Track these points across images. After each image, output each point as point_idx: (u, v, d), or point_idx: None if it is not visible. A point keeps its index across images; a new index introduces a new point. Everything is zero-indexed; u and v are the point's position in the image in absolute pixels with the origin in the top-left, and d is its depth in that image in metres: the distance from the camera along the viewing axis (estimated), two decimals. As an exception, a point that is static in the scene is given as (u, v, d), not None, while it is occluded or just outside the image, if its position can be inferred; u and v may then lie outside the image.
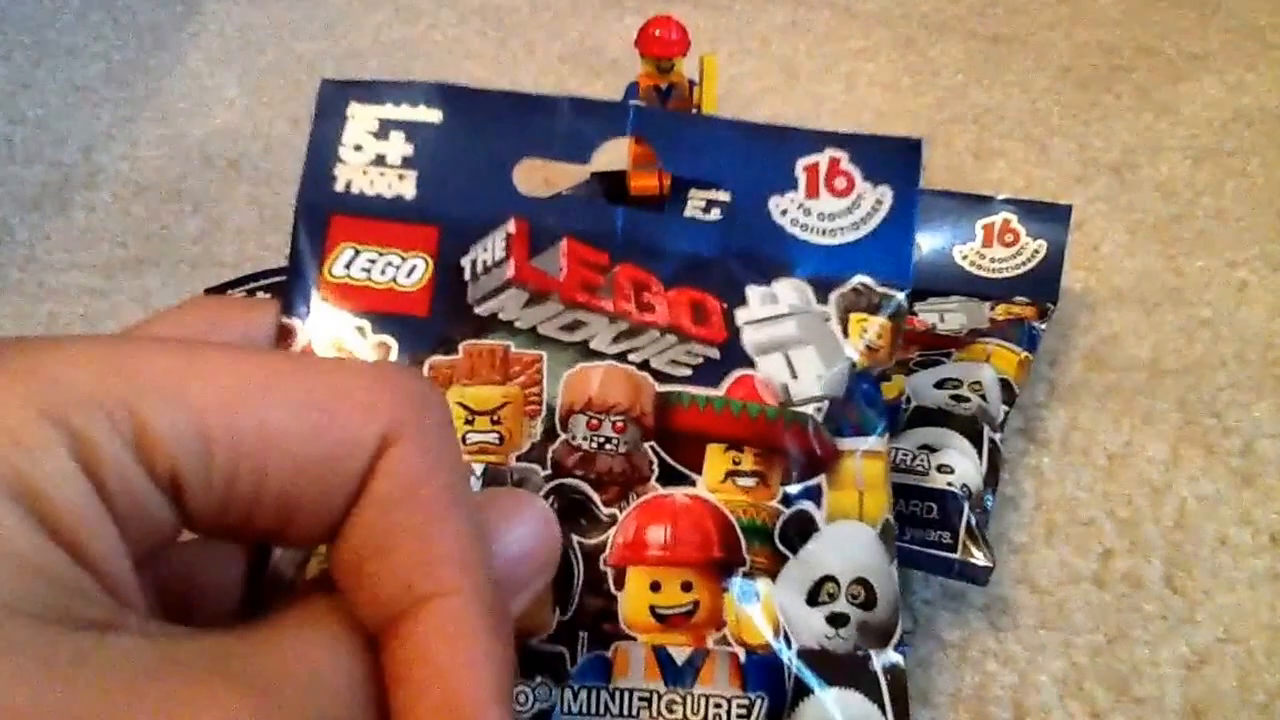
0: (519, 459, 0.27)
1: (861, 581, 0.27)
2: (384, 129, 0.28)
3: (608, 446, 0.27)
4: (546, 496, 0.27)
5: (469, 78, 0.71)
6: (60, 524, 0.16)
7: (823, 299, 0.29)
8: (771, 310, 0.28)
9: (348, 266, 0.28)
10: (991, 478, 0.39)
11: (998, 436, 0.40)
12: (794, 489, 0.27)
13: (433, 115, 0.28)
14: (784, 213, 0.29)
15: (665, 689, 0.25)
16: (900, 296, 0.29)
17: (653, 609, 0.26)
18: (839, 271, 0.29)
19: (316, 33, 0.76)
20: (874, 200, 0.29)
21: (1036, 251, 0.48)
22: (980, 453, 0.39)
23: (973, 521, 0.36)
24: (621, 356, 0.28)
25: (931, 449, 0.38)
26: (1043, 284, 0.48)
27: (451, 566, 0.18)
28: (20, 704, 0.14)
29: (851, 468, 0.28)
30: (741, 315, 0.28)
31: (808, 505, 0.27)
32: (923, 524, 0.36)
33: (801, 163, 0.29)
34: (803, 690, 0.26)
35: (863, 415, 0.28)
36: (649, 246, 0.29)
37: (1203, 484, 0.41)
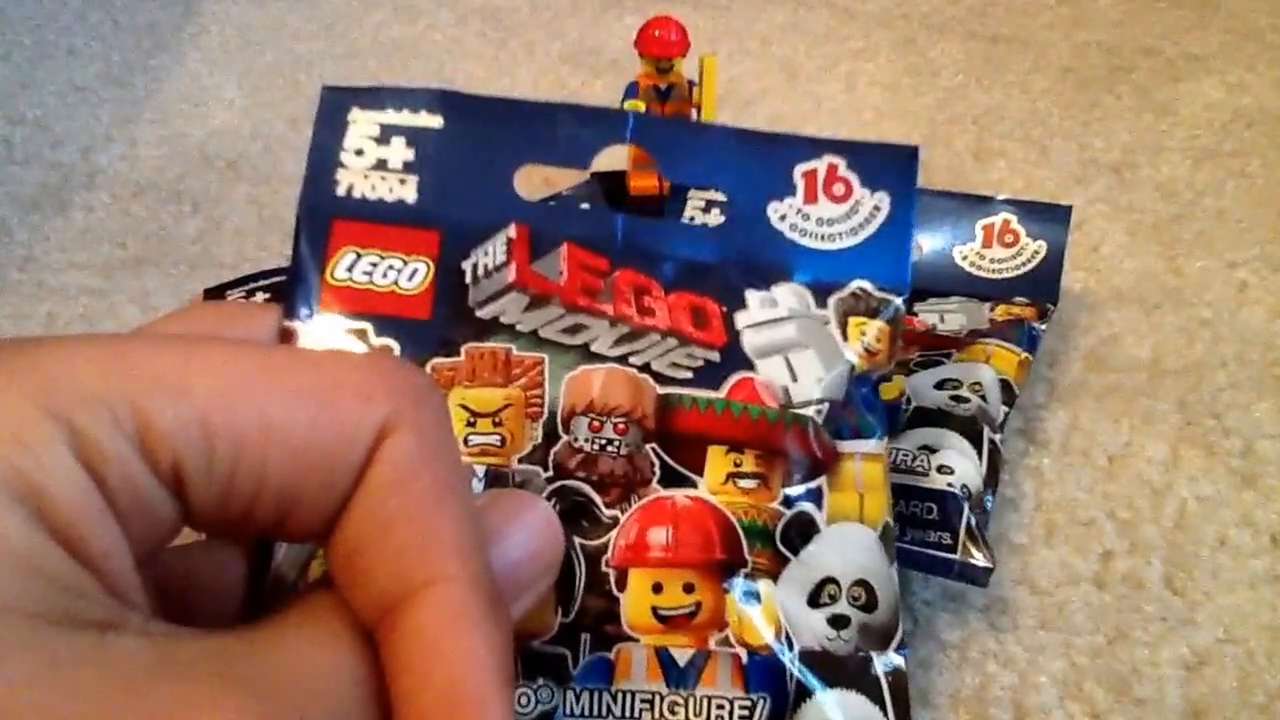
0: (521, 461, 0.27)
1: (862, 583, 0.27)
2: (385, 134, 0.28)
3: (609, 448, 0.27)
4: (548, 498, 0.27)
5: (468, 78, 0.71)
6: (61, 522, 0.16)
7: (822, 303, 0.29)
8: (771, 314, 0.29)
9: (350, 270, 0.28)
10: (991, 478, 0.39)
11: (998, 437, 0.40)
12: (795, 491, 0.27)
13: (434, 121, 0.28)
14: (783, 218, 0.29)
15: (667, 690, 0.25)
16: (898, 301, 0.29)
17: (655, 610, 0.26)
18: (838, 276, 0.29)
19: (315, 33, 0.76)
20: (872, 206, 0.29)
21: (1036, 252, 0.48)
22: (980, 453, 0.39)
23: (973, 522, 0.36)
24: (623, 359, 0.28)
25: (931, 450, 0.38)
26: (1043, 284, 0.48)
27: (448, 553, 0.18)
28: (17, 705, 0.14)
29: (851, 470, 0.28)
30: (741, 319, 0.29)
31: (809, 507, 0.27)
32: (923, 525, 0.37)
33: (800, 169, 0.29)
34: (804, 692, 0.26)
35: (862, 419, 0.28)
36: (649, 252, 0.29)
37: (1203, 485, 0.41)
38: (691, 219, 0.46)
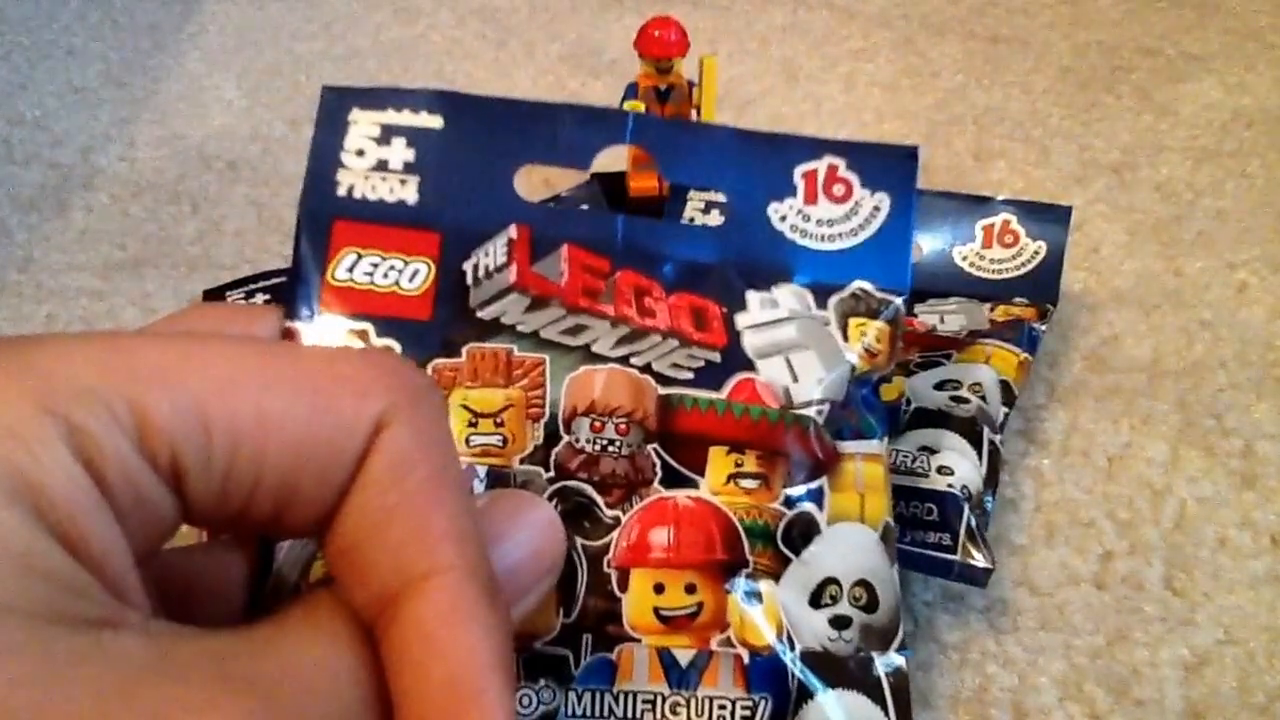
0: (522, 462, 0.27)
1: (863, 584, 0.27)
2: (386, 134, 0.28)
3: (611, 449, 0.27)
4: (550, 499, 0.27)
5: (467, 78, 0.71)
6: (60, 520, 0.16)
7: (822, 304, 0.29)
8: (771, 314, 0.29)
9: (350, 271, 0.28)
10: (991, 479, 0.39)
11: (997, 438, 0.40)
12: (796, 491, 0.27)
13: (434, 121, 0.28)
14: (783, 219, 0.29)
15: (669, 691, 0.25)
16: (898, 302, 0.29)
17: (656, 611, 0.26)
18: (838, 277, 0.29)
19: (315, 34, 0.76)
20: (872, 206, 0.29)
21: (1036, 252, 0.48)
22: (980, 454, 0.39)
23: (972, 523, 0.36)
24: (624, 360, 0.28)
25: (931, 450, 0.38)
26: (1042, 285, 0.48)
27: (445, 545, 0.18)
28: (14, 705, 0.14)
29: (852, 470, 0.28)
30: (742, 320, 0.29)
31: (810, 507, 0.27)
32: (922, 526, 0.36)
33: (800, 169, 0.29)
34: (806, 692, 0.26)
35: (862, 419, 0.29)
36: (649, 253, 0.29)
37: (1203, 485, 0.41)
38: (691, 220, 0.46)
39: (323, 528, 0.19)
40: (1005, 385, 0.42)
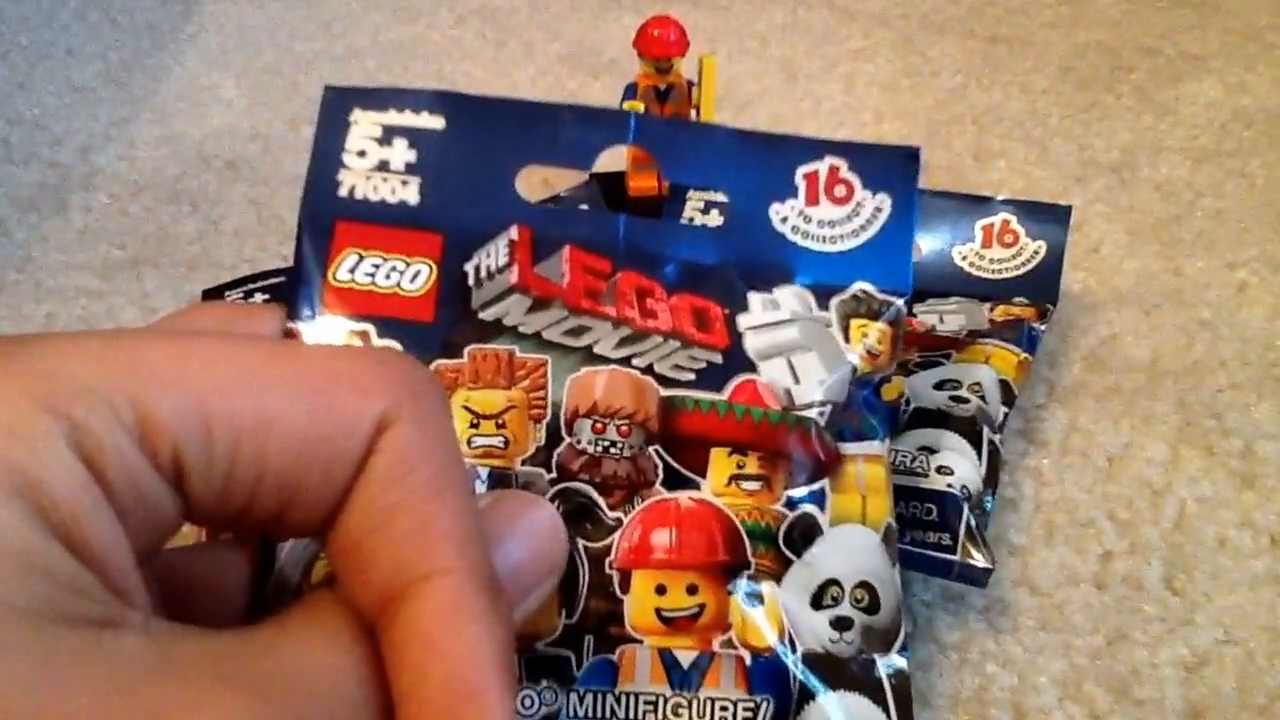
0: (524, 463, 0.27)
1: (865, 585, 0.27)
2: (387, 135, 0.28)
3: (612, 450, 0.27)
4: (551, 500, 0.27)
5: (467, 78, 0.71)
6: (60, 518, 0.16)
7: (823, 306, 0.29)
8: (773, 316, 0.29)
9: (352, 271, 0.28)
10: (991, 479, 0.39)
11: (997, 438, 0.40)
12: (797, 492, 0.27)
13: (436, 122, 0.28)
14: (784, 220, 0.29)
15: (671, 692, 0.25)
16: (900, 303, 0.29)
17: (658, 612, 0.26)
18: (839, 279, 0.29)
19: (314, 33, 0.76)
20: (873, 208, 0.29)
21: (1036, 252, 0.48)
22: (980, 454, 0.39)
23: (972, 523, 0.36)
24: (625, 361, 0.28)
25: (931, 450, 0.38)
26: (1042, 285, 0.48)
27: (448, 545, 0.18)
28: (12, 705, 0.14)
29: (854, 472, 0.28)
30: (743, 321, 0.29)
31: (811, 509, 0.27)
32: (922, 526, 0.36)
33: (801, 170, 0.29)
34: (807, 694, 0.26)
35: (864, 421, 0.29)
36: (651, 254, 0.29)
37: (1202, 485, 0.41)
38: (691, 219, 0.46)
39: (325, 527, 0.19)
40: (1005, 385, 0.42)
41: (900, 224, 0.29)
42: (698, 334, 0.28)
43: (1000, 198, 0.50)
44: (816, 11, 0.77)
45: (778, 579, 0.27)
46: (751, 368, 0.28)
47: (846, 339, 0.29)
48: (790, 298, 0.29)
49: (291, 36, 0.75)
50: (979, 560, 0.36)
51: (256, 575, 0.23)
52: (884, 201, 0.29)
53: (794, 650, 0.26)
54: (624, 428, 0.27)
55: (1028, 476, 0.42)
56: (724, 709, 0.25)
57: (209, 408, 0.17)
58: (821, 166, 0.29)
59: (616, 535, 0.27)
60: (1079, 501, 0.41)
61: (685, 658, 0.26)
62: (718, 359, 0.28)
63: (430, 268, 0.28)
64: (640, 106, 0.49)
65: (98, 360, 0.17)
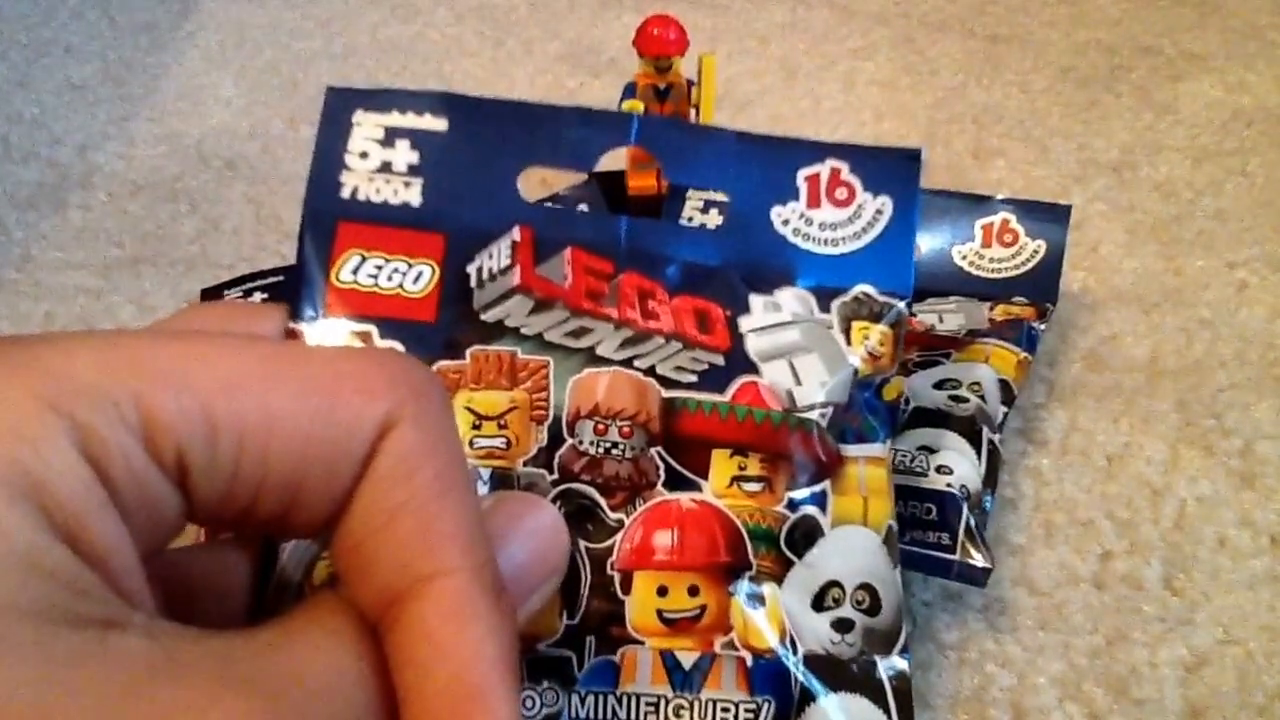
0: (526, 464, 0.27)
1: (866, 587, 0.27)
2: (390, 137, 0.28)
3: (614, 451, 0.27)
4: (553, 501, 0.27)
5: (466, 76, 0.71)
6: (64, 518, 0.16)
7: (825, 308, 0.29)
8: (774, 318, 0.29)
9: (355, 272, 0.28)
10: (990, 479, 0.39)
11: (996, 437, 0.40)
12: (799, 494, 0.27)
13: (438, 124, 0.28)
14: (785, 222, 0.29)
15: (673, 694, 0.26)
16: (901, 305, 0.29)
17: (660, 613, 0.26)
18: (841, 281, 0.29)
19: (313, 32, 0.76)
20: (874, 210, 0.29)
21: (1035, 252, 0.48)
22: (979, 453, 0.39)
23: (971, 523, 0.36)
24: (627, 363, 0.28)
25: (930, 450, 0.38)
26: (1042, 284, 0.48)
27: (451, 545, 0.18)
28: (16, 706, 0.14)
29: (855, 474, 0.28)
30: (745, 323, 0.29)
31: (813, 510, 0.27)
32: (921, 525, 0.36)
33: (802, 173, 0.29)
34: (809, 695, 0.26)
35: (865, 422, 0.29)
36: (653, 256, 0.29)
37: (1202, 485, 0.41)
38: (690, 219, 0.46)
39: (328, 527, 0.19)
40: (1004, 384, 0.42)
41: (901, 226, 0.29)
42: (699, 336, 0.28)
43: (1000, 197, 0.50)
44: (816, 10, 0.77)
45: (779, 580, 0.27)
46: (753, 369, 0.28)
47: (848, 341, 0.29)
48: (791, 300, 0.29)
49: (290, 35, 0.75)
50: (978, 560, 0.36)
51: (258, 575, 0.23)
52: (885, 204, 0.29)
53: (795, 652, 0.26)
54: (626, 429, 0.27)
55: (1027, 476, 0.42)
56: (725, 710, 0.25)
57: (213, 408, 0.17)
58: (823, 169, 0.29)
59: (618, 536, 0.27)
60: (1078, 501, 0.41)
61: (687, 659, 0.26)
62: (719, 361, 0.28)
63: (432, 269, 0.28)
64: (639, 105, 0.49)
65: (102, 360, 0.17)
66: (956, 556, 0.36)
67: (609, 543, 0.27)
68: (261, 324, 0.25)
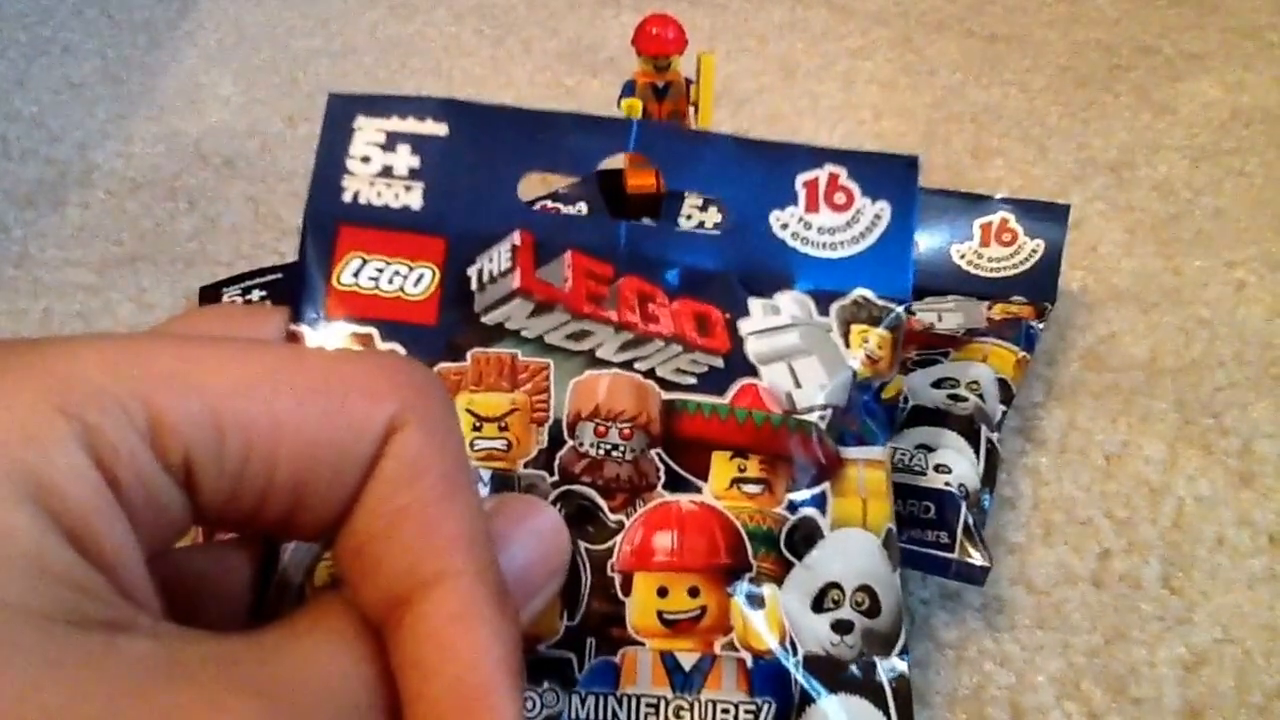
0: (526, 466, 0.27)
1: (866, 589, 0.27)
2: (391, 141, 0.28)
3: (614, 453, 0.27)
4: (554, 503, 0.27)
5: (465, 75, 0.71)
6: (72, 521, 0.16)
7: (824, 311, 0.29)
8: (774, 321, 0.29)
9: (356, 275, 0.28)
10: (989, 477, 0.39)
11: (995, 436, 0.40)
12: (799, 496, 0.28)
13: (439, 129, 0.29)
14: (784, 227, 0.29)
15: (673, 695, 0.26)
16: (900, 310, 0.29)
17: (660, 614, 0.26)
18: (839, 285, 0.29)
19: (312, 30, 0.76)
20: (873, 215, 0.29)
21: (1034, 251, 0.48)
22: (977, 452, 0.39)
23: (970, 521, 0.36)
24: (627, 365, 0.28)
25: (929, 448, 0.38)
26: (1040, 283, 0.48)
27: (456, 547, 0.18)
28: (23, 707, 0.14)
29: (855, 476, 0.28)
30: (744, 326, 0.29)
31: (813, 512, 0.27)
32: (920, 524, 0.36)
33: (801, 178, 0.29)
34: (809, 696, 0.26)
35: (864, 425, 0.29)
36: (652, 260, 0.29)
37: (1201, 484, 0.42)
38: (689, 216, 0.46)
39: (333, 530, 0.19)
40: (1003, 383, 0.42)
41: (900, 231, 0.29)
42: (699, 338, 0.28)
43: (998, 196, 0.50)
44: (815, 10, 0.77)
45: (779, 582, 0.27)
46: (753, 372, 0.28)
47: (847, 344, 0.29)
48: (791, 303, 0.29)
49: (289, 34, 0.75)
50: (976, 559, 0.36)
51: (259, 577, 0.23)
52: (883, 209, 0.29)
53: (795, 653, 0.26)
54: (626, 431, 0.28)
55: (1026, 475, 0.42)
56: (725, 711, 0.26)
57: (221, 411, 0.17)
58: (821, 174, 0.29)
59: (618, 538, 0.27)
60: (1077, 500, 0.41)
61: (687, 660, 0.26)
62: (719, 363, 0.28)
63: (433, 272, 0.28)
64: (638, 104, 0.49)
65: (111, 363, 0.17)
66: (955, 555, 0.36)
67: (609, 544, 0.27)
68: (263, 327, 0.25)
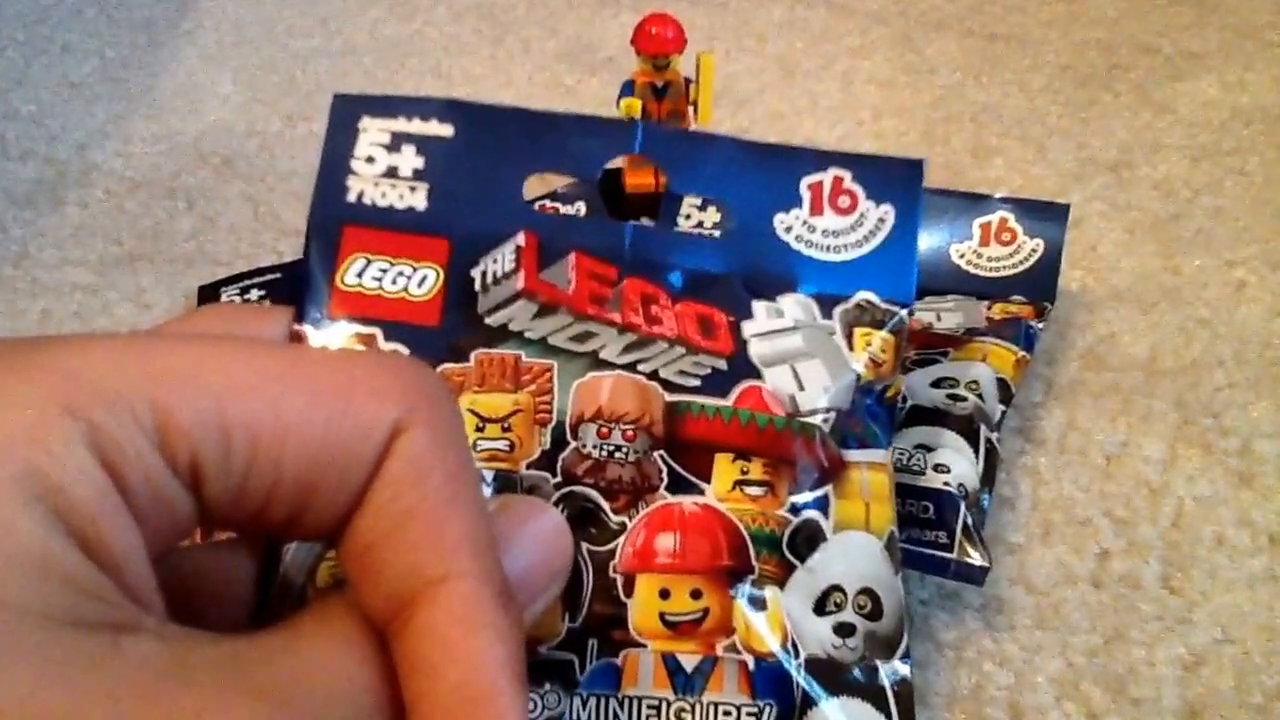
0: (529, 467, 0.27)
1: (868, 592, 0.27)
2: (396, 142, 0.29)
3: (617, 455, 0.27)
4: (556, 504, 0.27)
5: (464, 75, 0.70)
6: (79, 522, 0.16)
7: (827, 314, 0.29)
8: (777, 323, 0.29)
9: (359, 276, 0.28)
10: (988, 477, 0.39)
11: (994, 436, 0.40)
12: (802, 498, 0.28)
13: (444, 130, 0.29)
14: (788, 230, 0.29)
15: (675, 697, 0.26)
16: (903, 313, 0.29)
17: (662, 616, 0.26)
18: (843, 288, 0.29)
19: (311, 29, 0.76)
20: (877, 218, 0.29)
21: (1034, 250, 0.48)
22: (977, 452, 0.39)
23: (969, 521, 0.36)
24: (631, 367, 0.28)
25: (928, 448, 0.38)
26: (1040, 283, 0.48)
27: (462, 549, 0.18)
28: (30, 708, 0.14)
29: (858, 478, 0.28)
30: (748, 328, 0.29)
31: (815, 515, 0.27)
32: (919, 524, 0.37)
33: (805, 181, 0.29)
34: (810, 699, 0.26)
35: (867, 428, 0.29)
36: (656, 262, 0.29)
37: (1200, 484, 0.42)
38: (688, 216, 0.46)
39: (339, 531, 0.19)
40: (1002, 383, 0.42)
41: (903, 234, 0.29)
42: (703, 340, 0.28)
43: (998, 196, 0.50)
44: (814, 9, 0.77)
45: (781, 584, 0.27)
46: (756, 374, 0.28)
47: (850, 347, 0.29)
48: (794, 306, 0.29)
49: (288, 33, 0.75)
50: (976, 559, 0.36)
51: (261, 577, 0.23)
52: (887, 212, 0.29)
53: (797, 655, 0.26)
54: (629, 432, 0.28)
55: (1025, 475, 0.42)
56: (727, 713, 0.26)
57: (228, 411, 0.17)
58: (825, 177, 0.29)
59: (621, 539, 0.27)
60: (1076, 500, 0.41)
61: (689, 662, 0.26)
62: (723, 365, 0.28)
63: (437, 273, 0.28)
64: (637, 104, 0.49)
65: (118, 363, 0.17)
66: (954, 555, 0.36)
67: (611, 546, 0.27)
68: (267, 326, 0.25)
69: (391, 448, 0.18)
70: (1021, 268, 0.48)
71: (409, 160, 0.29)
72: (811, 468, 0.28)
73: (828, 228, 0.29)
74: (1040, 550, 0.39)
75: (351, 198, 0.28)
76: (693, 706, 0.26)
